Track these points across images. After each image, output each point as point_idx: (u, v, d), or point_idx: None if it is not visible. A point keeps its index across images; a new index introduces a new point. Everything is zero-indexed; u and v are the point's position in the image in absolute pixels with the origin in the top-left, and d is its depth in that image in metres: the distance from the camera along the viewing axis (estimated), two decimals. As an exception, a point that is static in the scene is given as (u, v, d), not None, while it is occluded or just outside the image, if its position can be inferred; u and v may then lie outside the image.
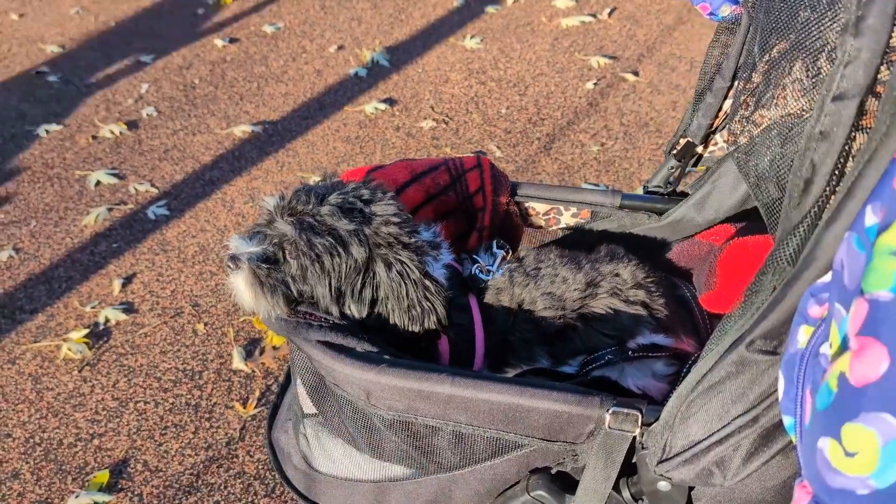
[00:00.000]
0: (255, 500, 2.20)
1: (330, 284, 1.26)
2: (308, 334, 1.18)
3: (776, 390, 0.88)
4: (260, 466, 2.28)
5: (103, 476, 2.26)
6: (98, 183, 3.44)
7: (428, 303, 1.30)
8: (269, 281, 1.26)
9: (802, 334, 0.80)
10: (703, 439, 0.95)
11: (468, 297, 1.37)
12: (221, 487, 2.23)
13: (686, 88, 3.98)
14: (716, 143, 1.53)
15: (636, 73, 4.10)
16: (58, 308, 2.83)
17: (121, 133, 3.76)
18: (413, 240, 1.30)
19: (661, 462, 1.00)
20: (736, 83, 1.39)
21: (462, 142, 3.65)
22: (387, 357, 1.16)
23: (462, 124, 3.78)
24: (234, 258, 1.28)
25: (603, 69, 4.16)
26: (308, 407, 1.33)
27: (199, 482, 2.25)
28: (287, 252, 1.27)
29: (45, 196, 3.38)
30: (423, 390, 1.12)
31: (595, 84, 4.03)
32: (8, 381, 2.55)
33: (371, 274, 1.27)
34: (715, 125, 1.49)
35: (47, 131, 3.78)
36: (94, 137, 3.75)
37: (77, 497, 2.20)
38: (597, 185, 3.37)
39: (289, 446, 1.42)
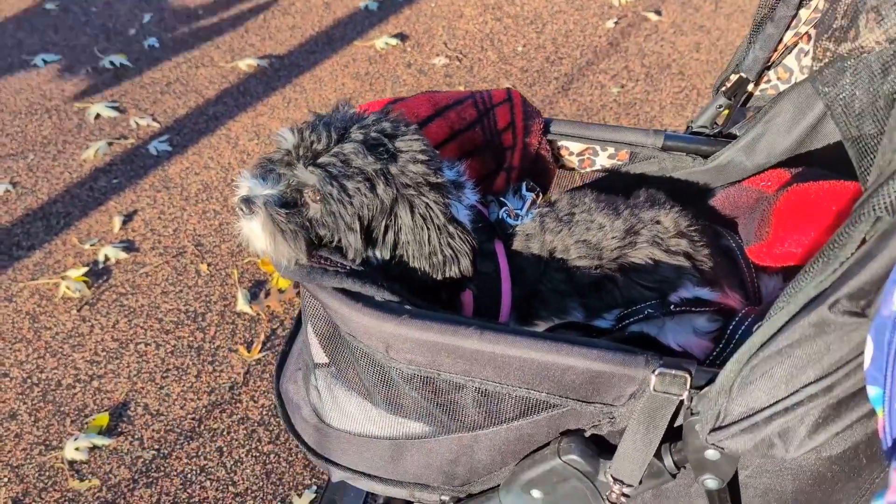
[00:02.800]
0: (259, 447, 2.13)
1: (360, 229, 1.14)
2: (323, 280, 1.07)
3: (857, 357, 0.78)
4: (264, 412, 2.21)
5: (103, 419, 2.20)
6: (98, 116, 3.31)
7: (450, 250, 1.19)
8: (290, 227, 1.14)
9: (899, 295, 0.69)
10: (766, 407, 0.85)
11: (494, 244, 1.26)
12: (224, 433, 2.17)
13: (711, 29, 3.81)
14: (769, 81, 1.39)
15: (659, 13, 3.93)
16: (56, 245, 2.74)
17: (121, 64, 3.62)
18: (440, 180, 1.19)
19: (714, 430, 0.91)
20: (809, 7, 1.23)
21: (476, 80, 3.50)
22: (408, 307, 1.05)
23: (476, 62, 3.62)
24: (248, 202, 1.16)
25: (624, 7, 3.98)
26: (320, 357, 1.23)
27: (202, 427, 2.18)
28: (308, 196, 1.16)
29: (43, 129, 3.25)
30: (448, 344, 1.01)
31: (616, 23, 3.86)
32: (5, 319, 2.47)
33: (394, 216, 1.16)
34: (772, 59, 1.35)
35: (45, 61, 3.64)
36: (93, 68, 3.60)
37: (76, 440, 2.14)
38: (617, 128, 3.23)
39: (298, 397, 1.33)
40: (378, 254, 1.18)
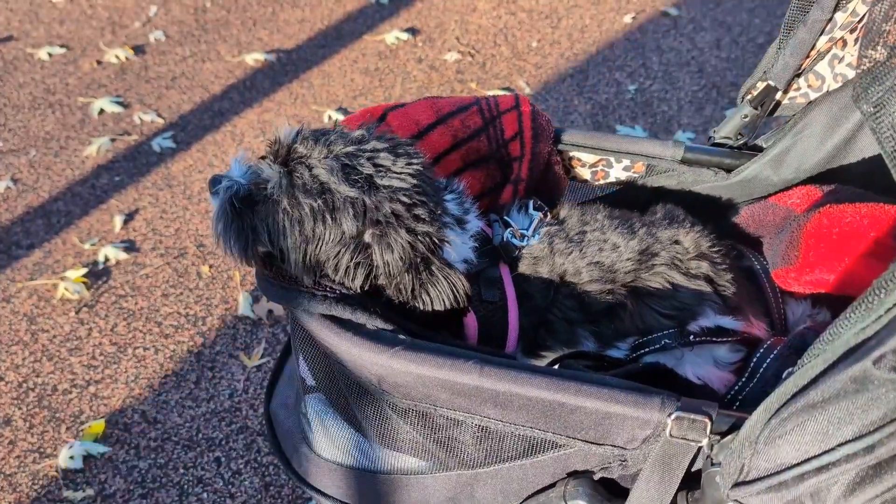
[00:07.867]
0: (258, 458, 2.06)
1: (305, 251, 1.06)
2: (309, 306, 0.99)
3: (904, 415, 0.69)
4: (264, 422, 2.13)
5: (99, 426, 2.13)
6: (101, 111, 3.24)
7: (428, 297, 1.09)
8: (238, 222, 1.08)
9: (957, 352, 0.60)
10: (797, 464, 0.76)
11: (500, 269, 1.16)
12: (222, 443, 2.10)
13: (732, 25, 3.69)
14: (798, 89, 1.29)
15: (678, 7, 3.81)
16: (56, 244, 2.67)
17: (127, 58, 3.54)
18: (422, 227, 1.09)
19: (737, 485, 0.82)
20: (846, 10, 1.12)
21: (489, 77, 3.40)
22: (403, 337, 0.97)
23: (489, 58, 3.53)
24: (216, 181, 1.11)
25: (642, 2, 3.87)
26: (309, 380, 1.15)
27: (199, 436, 2.12)
28: (266, 199, 1.08)
29: (46, 124, 3.19)
30: (446, 380, 0.93)
31: (633, 18, 3.75)
32: (2, 320, 2.41)
33: (363, 250, 1.07)
34: (803, 66, 1.25)
35: (50, 54, 3.57)
36: (98, 62, 3.53)
37: (71, 448, 2.07)
38: (633, 127, 3.13)
39: (289, 422, 1.26)
40: (348, 283, 1.08)
